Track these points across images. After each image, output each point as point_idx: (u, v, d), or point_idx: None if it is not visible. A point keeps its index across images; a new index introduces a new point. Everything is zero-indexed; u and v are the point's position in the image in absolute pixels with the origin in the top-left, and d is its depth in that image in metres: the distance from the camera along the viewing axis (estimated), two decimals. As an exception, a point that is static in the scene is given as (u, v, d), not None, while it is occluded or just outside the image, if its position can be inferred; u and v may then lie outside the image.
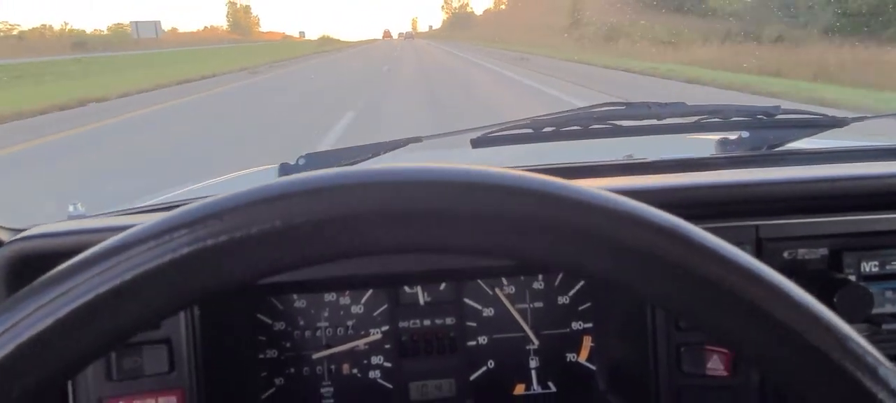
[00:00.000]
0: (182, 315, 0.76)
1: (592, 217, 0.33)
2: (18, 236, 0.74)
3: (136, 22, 77.80)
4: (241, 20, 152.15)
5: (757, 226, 0.75)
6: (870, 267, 0.75)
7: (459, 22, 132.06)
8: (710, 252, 0.34)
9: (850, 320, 0.68)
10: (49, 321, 0.31)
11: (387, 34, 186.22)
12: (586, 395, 0.89)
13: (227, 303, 0.82)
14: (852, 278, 0.73)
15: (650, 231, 0.33)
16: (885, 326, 0.74)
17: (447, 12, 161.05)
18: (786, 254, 0.75)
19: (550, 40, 35.11)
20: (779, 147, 1.10)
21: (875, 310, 0.73)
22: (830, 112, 1.12)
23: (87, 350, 0.32)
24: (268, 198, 0.32)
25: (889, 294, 0.76)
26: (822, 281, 0.71)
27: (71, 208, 0.94)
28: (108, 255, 0.32)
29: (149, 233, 0.32)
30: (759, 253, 0.75)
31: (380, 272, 0.82)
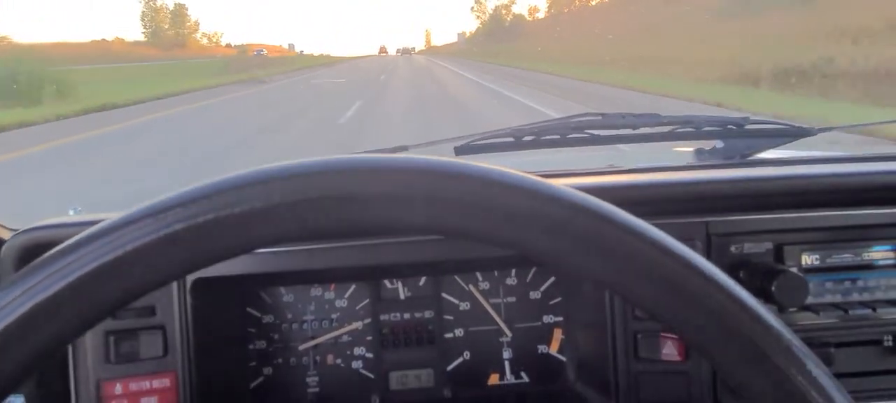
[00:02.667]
0: (176, 304, 0.82)
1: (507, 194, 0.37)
2: (30, 226, 0.81)
3: None
4: (163, 29, 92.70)
5: (707, 223, 0.81)
6: (811, 260, 0.80)
7: (499, 31, 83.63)
8: (623, 225, 0.38)
9: (786, 306, 0.73)
10: (60, 284, 0.35)
11: (383, 50, 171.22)
12: (557, 385, 0.93)
13: (218, 297, 0.88)
14: (793, 270, 0.77)
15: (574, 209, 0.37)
16: (822, 313, 0.79)
17: (479, 17, 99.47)
18: (733, 248, 0.80)
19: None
20: (751, 156, 1.16)
21: (815, 300, 0.78)
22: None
23: (90, 314, 0.37)
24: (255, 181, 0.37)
25: (829, 285, 0.81)
26: (764, 271, 0.75)
27: (71, 212, 1.01)
28: (106, 232, 0.37)
29: (145, 213, 0.37)
30: (708, 248, 0.80)
31: (362, 263, 0.87)
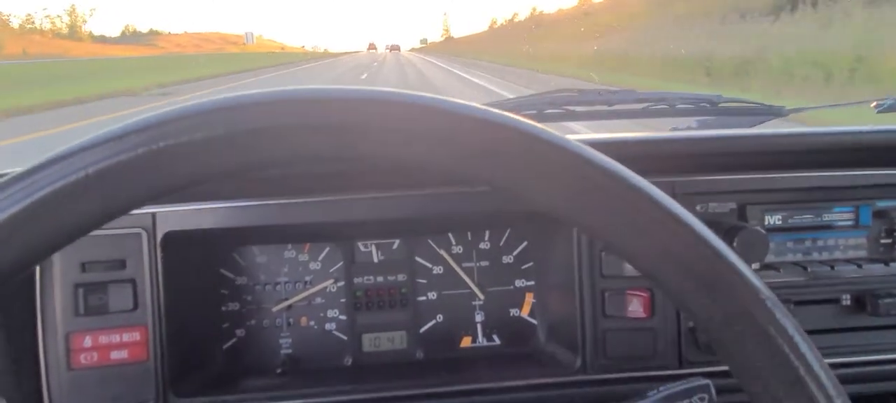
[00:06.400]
0: (147, 258, 0.82)
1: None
2: None
3: None
4: None
5: (673, 182, 0.83)
6: (773, 220, 0.82)
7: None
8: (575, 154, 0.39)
9: (748, 261, 0.75)
10: (28, 200, 0.35)
11: (372, 46, 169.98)
12: (528, 347, 0.94)
13: (190, 253, 0.88)
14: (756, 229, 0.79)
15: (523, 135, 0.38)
16: (783, 271, 0.81)
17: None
18: (698, 207, 0.82)
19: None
20: None
21: (777, 259, 0.79)
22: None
23: (61, 231, 0.36)
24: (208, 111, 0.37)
25: (790, 244, 0.83)
26: (726, 229, 0.77)
27: None
28: (76, 153, 0.36)
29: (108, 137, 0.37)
30: None
31: (333, 219, 0.87)
